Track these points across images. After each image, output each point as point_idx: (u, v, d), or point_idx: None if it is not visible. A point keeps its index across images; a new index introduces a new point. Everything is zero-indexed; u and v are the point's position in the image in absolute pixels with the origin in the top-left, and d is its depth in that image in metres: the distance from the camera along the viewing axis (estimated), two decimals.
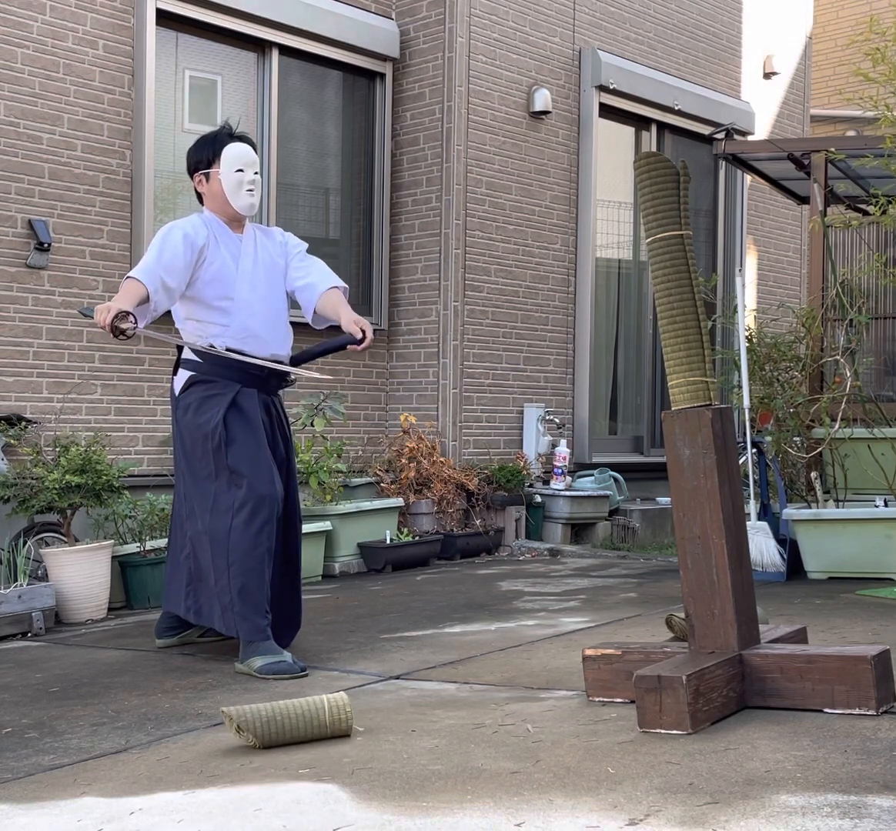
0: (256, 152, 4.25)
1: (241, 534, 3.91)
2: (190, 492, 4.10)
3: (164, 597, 4.38)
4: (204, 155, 4.18)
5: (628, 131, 8.96)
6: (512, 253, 7.92)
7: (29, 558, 5.12)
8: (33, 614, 4.81)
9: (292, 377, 4.29)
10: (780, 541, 5.77)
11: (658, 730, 2.78)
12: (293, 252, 4.29)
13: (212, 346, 4.06)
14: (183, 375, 4.15)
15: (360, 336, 4.01)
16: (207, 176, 4.18)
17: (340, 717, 2.93)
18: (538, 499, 7.61)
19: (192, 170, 4.23)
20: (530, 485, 7.64)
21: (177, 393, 4.15)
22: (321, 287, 4.21)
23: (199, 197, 4.26)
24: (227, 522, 3.93)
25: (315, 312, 4.24)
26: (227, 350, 4.06)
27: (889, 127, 5.99)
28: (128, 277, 3.91)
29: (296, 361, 4.32)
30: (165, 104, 6.71)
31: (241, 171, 4.13)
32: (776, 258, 10.20)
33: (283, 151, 7.28)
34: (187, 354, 4.16)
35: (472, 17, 7.65)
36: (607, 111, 8.56)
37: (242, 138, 4.22)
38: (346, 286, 4.30)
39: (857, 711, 2.84)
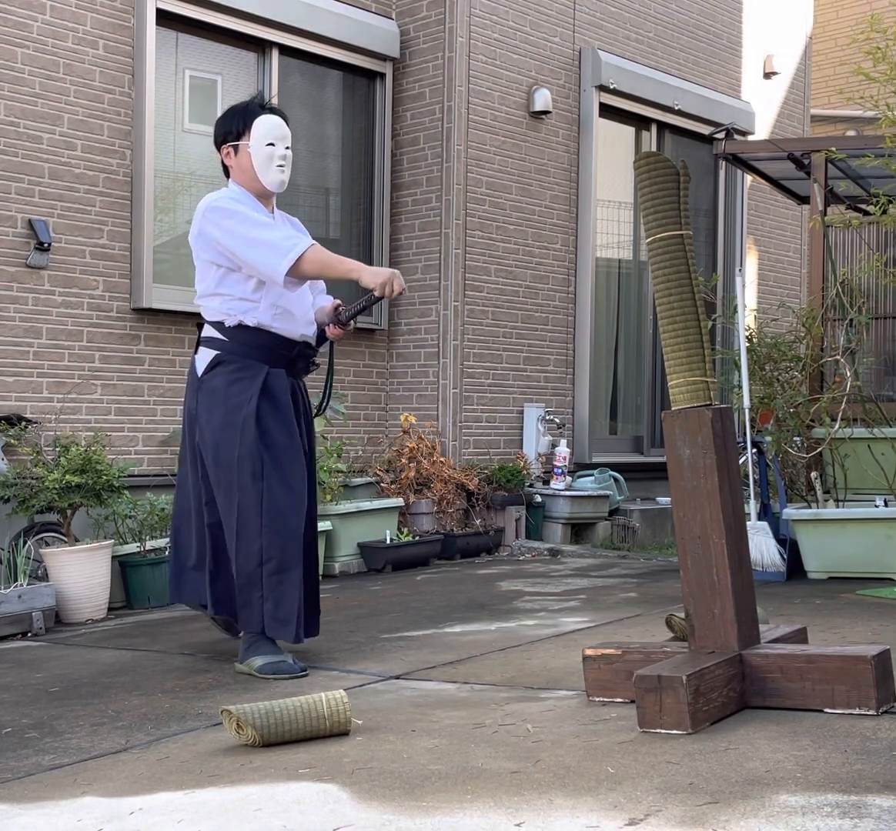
0: (288, 126, 4.06)
1: (276, 527, 3.79)
2: (211, 477, 3.91)
3: (178, 590, 4.15)
4: (233, 126, 3.99)
5: (628, 131, 8.96)
6: (512, 253, 7.92)
7: (29, 558, 5.12)
8: (33, 614, 4.81)
9: (318, 360, 4.17)
10: (780, 541, 5.77)
11: (658, 730, 2.78)
12: None
13: (241, 323, 3.92)
14: (206, 355, 3.96)
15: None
16: (236, 148, 3.98)
17: (338, 709, 2.93)
18: (538, 498, 7.61)
19: (220, 141, 4.03)
20: (530, 485, 7.64)
21: (200, 374, 3.97)
22: (323, 300, 4.22)
23: (226, 170, 4.09)
24: (258, 516, 3.78)
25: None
26: (257, 327, 3.93)
27: (889, 126, 5.98)
28: (309, 247, 3.79)
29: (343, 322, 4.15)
30: (165, 104, 6.71)
31: (272, 145, 3.95)
32: (776, 258, 10.20)
33: None
34: (210, 332, 3.99)
35: (472, 17, 7.65)
36: (607, 111, 8.56)
37: (274, 110, 4.05)
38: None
39: (857, 711, 2.84)
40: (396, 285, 3.82)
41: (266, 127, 3.96)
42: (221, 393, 3.90)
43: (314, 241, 3.86)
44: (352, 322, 4.13)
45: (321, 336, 4.17)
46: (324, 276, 3.98)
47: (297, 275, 3.82)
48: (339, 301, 4.17)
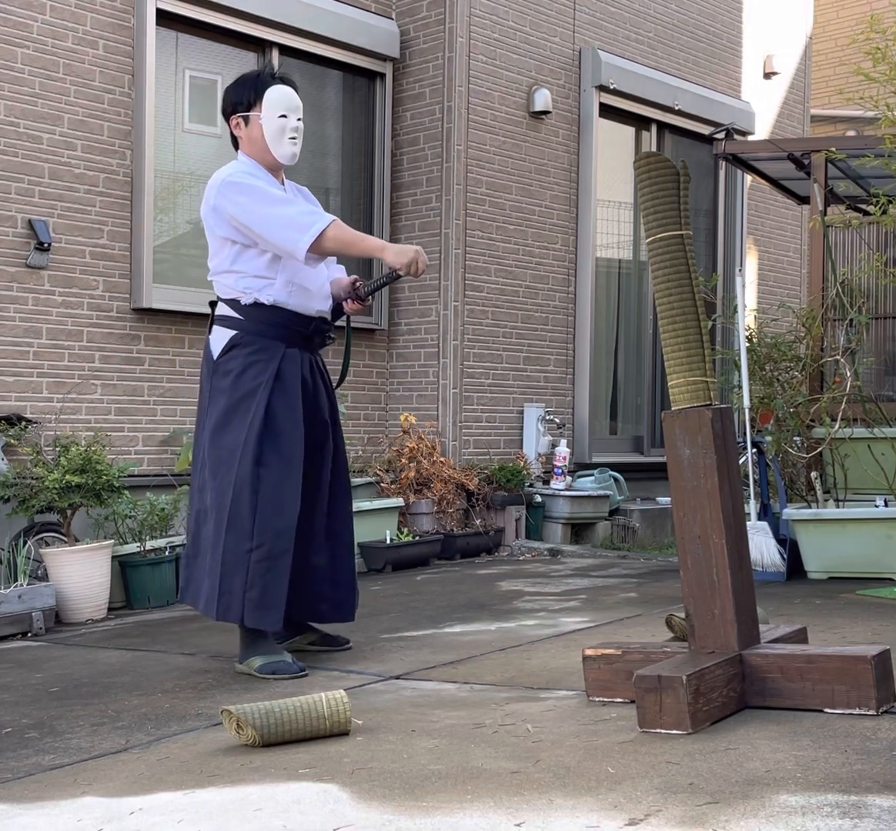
0: (299, 96, 3.99)
1: (270, 513, 3.73)
2: (207, 460, 3.86)
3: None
4: (244, 96, 3.91)
5: (628, 131, 8.96)
6: (512, 253, 7.92)
7: (29, 558, 5.12)
8: (33, 614, 4.81)
9: (333, 334, 4.12)
10: (780, 541, 5.77)
11: (658, 730, 2.78)
12: None
13: (257, 301, 3.87)
14: (221, 335, 3.90)
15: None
16: (246, 119, 3.91)
17: (338, 709, 2.93)
18: (538, 498, 7.61)
19: (230, 111, 3.95)
20: (530, 485, 7.64)
21: (215, 356, 3.89)
22: (337, 272, 4.17)
23: (234, 141, 4.02)
24: (252, 500, 3.72)
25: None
26: (273, 305, 3.88)
27: (889, 127, 5.99)
28: (330, 223, 3.73)
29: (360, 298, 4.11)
30: (165, 104, 6.71)
31: (284, 116, 3.87)
32: (776, 258, 10.20)
33: None
34: (225, 310, 3.92)
35: (472, 17, 7.65)
36: (607, 111, 8.56)
37: (285, 80, 3.96)
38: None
39: (857, 711, 2.84)
40: (421, 264, 3.80)
41: (278, 98, 3.90)
42: (235, 376, 3.84)
43: (334, 217, 3.81)
44: (370, 297, 4.11)
45: (337, 309, 4.13)
46: (345, 253, 3.93)
47: (318, 251, 3.78)
48: (356, 276, 4.14)
